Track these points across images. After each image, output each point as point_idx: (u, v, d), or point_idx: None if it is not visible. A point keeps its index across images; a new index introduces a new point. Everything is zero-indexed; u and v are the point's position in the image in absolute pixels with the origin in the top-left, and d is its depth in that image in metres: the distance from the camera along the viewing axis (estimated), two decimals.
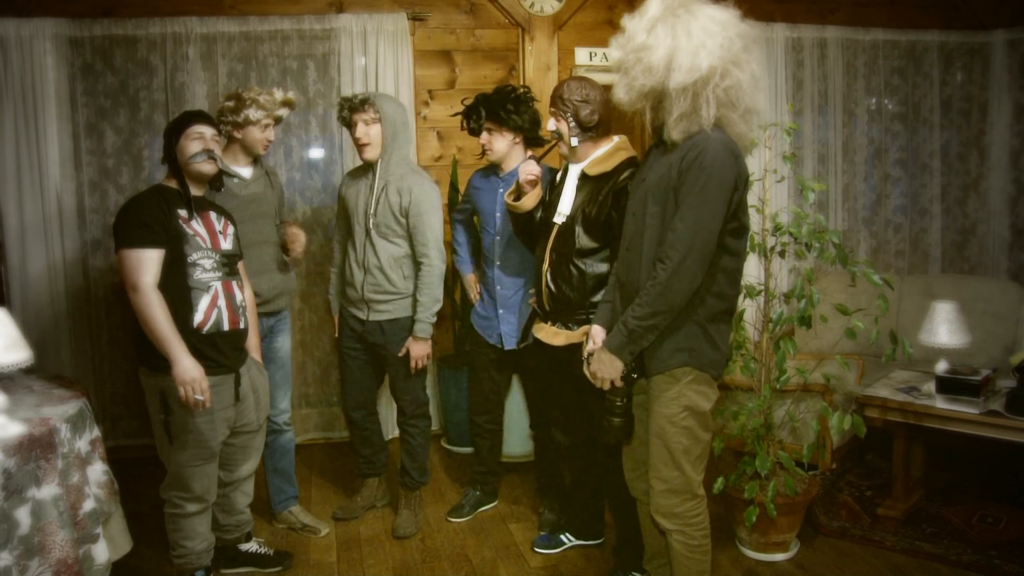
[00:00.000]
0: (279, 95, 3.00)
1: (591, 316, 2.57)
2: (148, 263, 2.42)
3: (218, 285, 2.57)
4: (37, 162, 3.84)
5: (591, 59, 4.51)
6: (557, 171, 2.90)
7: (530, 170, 2.79)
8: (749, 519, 2.87)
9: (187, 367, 2.41)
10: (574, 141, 2.64)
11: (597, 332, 2.37)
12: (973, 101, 5.10)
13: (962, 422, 3.06)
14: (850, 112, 4.93)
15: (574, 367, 2.61)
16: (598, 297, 2.58)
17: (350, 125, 3.09)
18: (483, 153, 3.15)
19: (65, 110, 3.90)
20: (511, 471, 3.82)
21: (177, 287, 2.48)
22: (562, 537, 3.14)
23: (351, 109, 3.06)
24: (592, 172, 2.64)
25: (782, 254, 3.02)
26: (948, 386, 3.14)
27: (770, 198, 3.03)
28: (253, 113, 2.91)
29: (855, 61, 4.89)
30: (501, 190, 3.13)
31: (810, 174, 4.84)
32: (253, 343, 2.79)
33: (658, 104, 2.12)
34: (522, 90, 3.12)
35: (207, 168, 2.59)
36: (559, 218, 2.69)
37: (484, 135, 3.10)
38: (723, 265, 2.15)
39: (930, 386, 3.23)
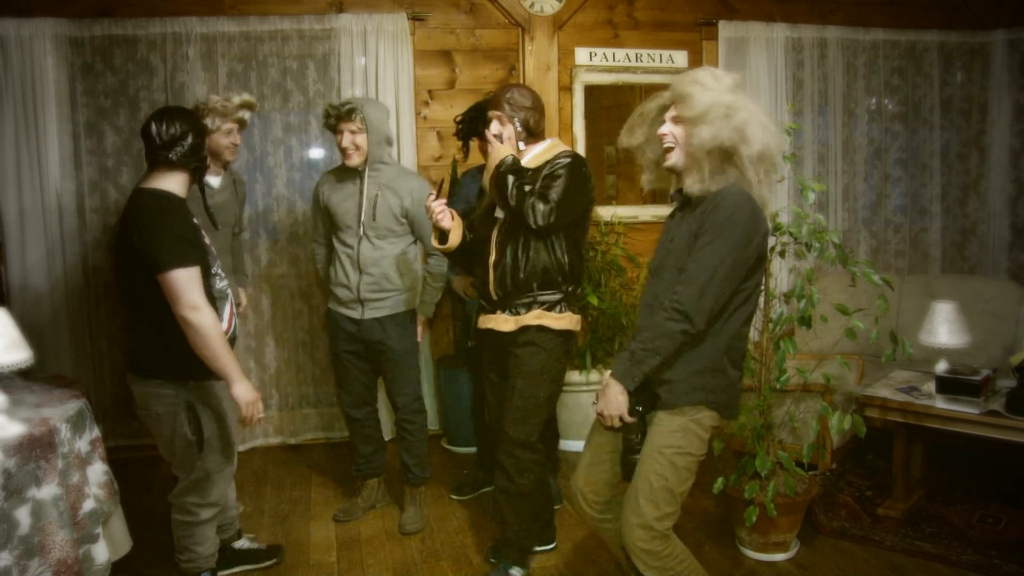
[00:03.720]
0: (236, 99, 3.04)
1: (539, 297, 2.70)
2: (198, 279, 2.36)
3: (230, 292, 2.60)
4: (37, 162, 3.85)
5: (591, 59, 4.51)
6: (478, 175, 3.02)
7: (437, 212, 2.71)
8: (749, 519, 2.88)
9: (248, 388, 2.41)
10: (521, 145, 2.77)
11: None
12: (973, 101, 5.10)
13: (962, 422, 3.06)
14: (850, 112, 4.93)
15: (519, 348, 2.72)
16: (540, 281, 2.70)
17: (335, 131, 3.12)
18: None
19: (65, 110, 3.90)
20: None
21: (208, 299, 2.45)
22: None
23: (338, 118, 3.08)
24: (533, 165, 2.74)
25: (782, 254, 3.01)
26: (948, 386, 3.14)
27: (770, 198, 3.03)
28: (212, 122, 2.96)
29: (855, 61, 4.89)
30: None
31: (810, 174, 4.83)
32: None
33: (700, 160, 2.11)
34: None
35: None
36: (501, 212, 2.74)
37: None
38: (740, 311, 2.16)
39: (930, 386, 3.23)
